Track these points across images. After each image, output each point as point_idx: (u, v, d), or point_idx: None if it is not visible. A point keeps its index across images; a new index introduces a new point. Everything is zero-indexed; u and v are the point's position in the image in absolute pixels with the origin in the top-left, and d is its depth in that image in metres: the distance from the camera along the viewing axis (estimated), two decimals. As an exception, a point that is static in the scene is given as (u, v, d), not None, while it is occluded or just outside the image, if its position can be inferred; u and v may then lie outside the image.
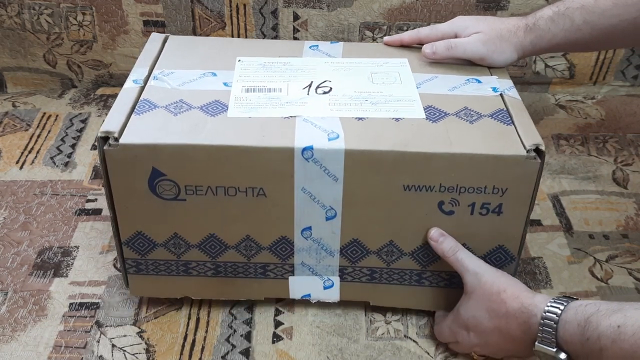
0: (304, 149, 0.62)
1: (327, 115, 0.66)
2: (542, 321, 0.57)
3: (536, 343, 0.57)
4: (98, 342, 0.70)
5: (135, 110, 0.66)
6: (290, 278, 0.71)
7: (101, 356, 0.69)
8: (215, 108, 0.67)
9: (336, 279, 0.71)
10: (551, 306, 0.57)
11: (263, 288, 0.72)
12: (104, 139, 0.62)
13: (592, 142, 1.00)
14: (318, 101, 0.69)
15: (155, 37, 0.81)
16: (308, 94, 0.70)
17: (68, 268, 0.79)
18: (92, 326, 0.72)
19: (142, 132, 0.63)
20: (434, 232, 0.66)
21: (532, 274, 0.79)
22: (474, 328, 0.64)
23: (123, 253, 0.69)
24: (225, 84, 0.72)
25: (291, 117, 0.66)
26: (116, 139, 0.62)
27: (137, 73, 0.72)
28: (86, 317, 0.73)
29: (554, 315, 0.56)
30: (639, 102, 1.09)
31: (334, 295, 0.72)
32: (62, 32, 1.05)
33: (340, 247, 0.68)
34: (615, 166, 0.96)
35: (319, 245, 0.68)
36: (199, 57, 0.77)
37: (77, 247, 0.81)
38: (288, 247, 0.68)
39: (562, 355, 0.56)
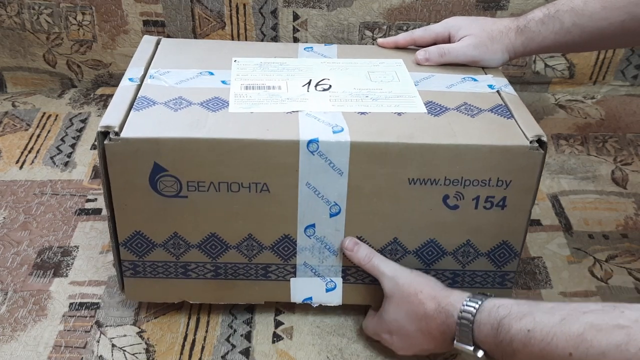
0: (309, 142, 0.62)
1: (329, 110, 0.66)
2: (458, 321, 0.58)
3: (455, 342, 0.59)
4: (98, 342, 0.70)
5: (134, 106, 0.66)
6: (292, 280, 0.70)
7: (101, 356, 0.69)
8: (215, 104, 0.67)
9: (339, 281, 0.71)
10: (466, 305, 0.58)
11: (263, 291, 0.71)
12: (104, 134, 0.61)
13: (592, 142, 1.00)
14: (319, 97, 0.69)
15: (148, 39, 0.80)
16: (308, 90, 0.70)
17: (68, 268, 0.79)
18: (92, 326, 0.72)
19: (143, 126, 0.63)
20: (348, 242, 0.67)
21: (532, 274, 0.79)
22: (397, 331, 0.65)
23: (120, 255, 0.68)
24: (223, 82, 0.71)
25: (293, 112, 0.66)
26: (117, 134, 0.61)
27: (133, 72, 0.72)
28: (86, 317, 0.73)
29: (470, 315, 0.57)
30: (639, 102, 1.09)
31: (336, 298, 0.71)
32: (61, 32, 1.05)
33: None
34: (615, 166, 0.96)
35: (322, 243, 0.68)
36: (194, 58, 0.76)
37: (77, 247, 0.81)
38: (290, 247, 0.68)
39: (480, 353, 0.57)
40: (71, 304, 0.74)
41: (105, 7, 1.02)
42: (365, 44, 1.05)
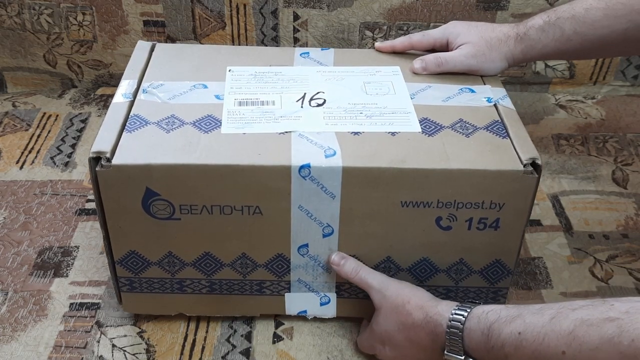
0: (301, 167, 0.61)
1: (322, 130, 0.66)
2: (447, 330, 0.58)
3: (445, 352, 0.58)
4: (98, 342, 0.70)
5: (126, 127, 0.65)
6: (287, 294, 0.70)
7: (101, 356, 0.69)
8: (208, 124, 0.66)
9: (333, 296, 0.70)
10: (455, 314, 0.58)
11: (259, 304, 0.71)
12: (96, 159, 0.61)
13: (592, 142, 1.00)
14: (312, 114, 0.68)
15: (142, 46, 0.79)
16: (302, 106, 0.69)
17: (68, 268, 0.79)
18: (92, 326, 0.72)
19: (134, 151, 0.62)
20: (335, 257, 0.67)
21: (532, 274, 0.79)
22: (388, 342, 0.64)
23: (116, 271, 0.68)
24: (217, 96, 0.70)
25: (286, 132, 0.65)
26: (108, 160, 0.60)
27: (126, 86, 0.71)
28: (86, 317, 0.73)
29: (459, 324, 0.57)
30: (639, 102, 1.09)
31: (330, 311, 0.71)
32: (62, 32, 1.05)
33: None
34: (615, 166, 0.96)
35: (315, 262, 0.68)
36: (188, 67, 0.75)
37: (77, 247, 0.81)
38: (284, 265, 0.68)
39: None
40: (71, 304, 0.74)
41: (106, 7, 1.02)
42: (366, 44, 1.05)
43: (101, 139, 0.62)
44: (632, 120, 1.05)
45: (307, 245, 0.66)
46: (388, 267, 0.68)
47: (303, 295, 0.70)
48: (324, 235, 0.66)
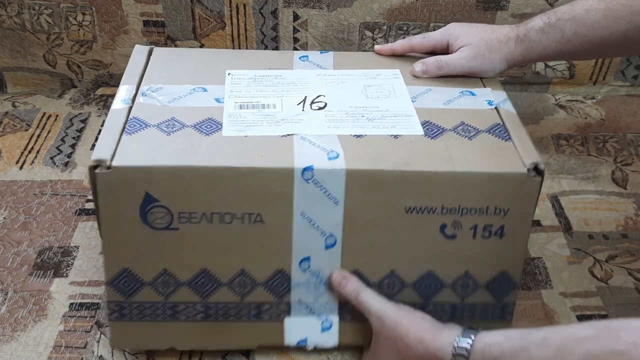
0: (304, 170, 0.60)
1: (324, 133, 0.65)
2: None
3: None
4: (98, 342, 0.70)
5: (125, 129, 0.64)
6: (286, 319, 0.67)
7: (101, 356, 0.69)
8: (209, 126, 0.65)
9: (335, 319, 0.68)
10: (458, 350, 0.56)
11: (256, 334, 0.68)
12: (96, 166, 0.60)
13: (592, 142, 1.00)
14: (314, 117, 0.68)
15: (140, 50, 0.79)
16: (303, 109, 0.69)
17: (68, 268, 0.79)
18: (92, 326, 0.72)
19: (134, 153, 0.61)
20: (336, 275, 0.65)
21: (532, 275, 0.79)
22: None
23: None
24: (217, 99, 0.70)
25: (288, 135, 0.65)
26: (108, 167, 0.59)
27: (125, 92, 0.70)
28: (86, 317, 0.73)
29: (463, 359, 0.56)
30: (639, 102, 1.09)
31: (332, 339, 0.68)
32: (62, 32, 1.05)
33: None
34: (615, 166, 0.96)
35: (317, 278, 0.66)
36: (186, 71, 0.75)
37: (77, 247, 0.81)
38: (284, 282, 0.66)
39: None
40: (71, 304, 0.74)
41: (106, 7, 1.02)
42: (365, 44, 1.05)
43: (101, 147, 0.62)
44: (632, 120, 1.05)
45: (308, 258, 0.65)
46: (392, 283, 0.66)
47: (303, 320, 0.68)
48: (327, 247, 0.64)
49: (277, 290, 0.66)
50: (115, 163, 0.60)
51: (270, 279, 0.65)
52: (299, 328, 0.68)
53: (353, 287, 0.65)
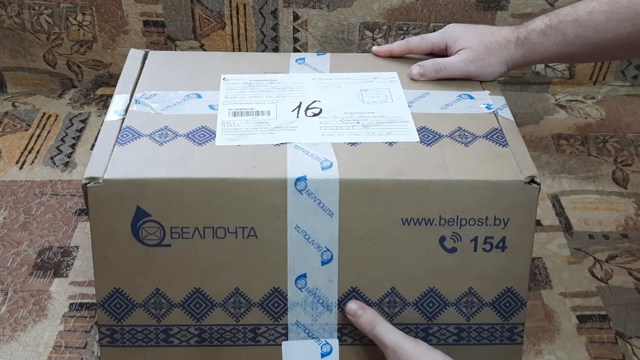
0: (297, 180, 0.60)
1: (318, 141, 0.64)
2: None
3: None
4: (98, 342, 0.70)
5: (118, 140, 0.63)
6: (284, 344, 0.65)
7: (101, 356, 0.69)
8: (202, 135, 0.65)
9: (335, 342, 0.65)
10: None
11: (253, 359, 0.65)
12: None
13: (592, 142, 1.00)
14: (308, 125, 0.67)
15: (135, 55, 0.78)
16: (298, 116, 0.68)
17: (68, 268, 0.79)
18: (92, 326, 0.72)
19: (126, 166, 0.60)
20: (351, 305, 0.63)
21: (532, 275, 0.79)
22: None
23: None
24: (211, 106, 0.69)
25: (282, 144, 0.64)
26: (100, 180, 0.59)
27: (118, 102, 0.69)
28: (86, 317, 0.73)
29: None
30: (639, 102, 1.09)
31: None
32: (62, 32, 1.05)
33: (338, 300, 0.64)
34: (615, 166, 0.96)
35: (314, 297, 0.64)
36: (181, 76, 0.74)
37: (77, 247, 0.81)
38: (281, 302, 0.63)
39: None
40: (71, 304, 0.74)
41: (106, 7, 1.02)
42: (365, 44, 1.05)
43: (94, 163, 0.61)
44: (632, 120, 1.05)
45: (305, 275, 0.63)
46: (393, 302, 0.64)
47: (302, 344, 0.65)
48: (323, 262, 0.63)
49: (273, 311, 0.64)
50: (107, 176, 0.59)
51: (265, 299, 0.64)
52: (298, 353, 0.65)
53: (369, 318, 0.62)
